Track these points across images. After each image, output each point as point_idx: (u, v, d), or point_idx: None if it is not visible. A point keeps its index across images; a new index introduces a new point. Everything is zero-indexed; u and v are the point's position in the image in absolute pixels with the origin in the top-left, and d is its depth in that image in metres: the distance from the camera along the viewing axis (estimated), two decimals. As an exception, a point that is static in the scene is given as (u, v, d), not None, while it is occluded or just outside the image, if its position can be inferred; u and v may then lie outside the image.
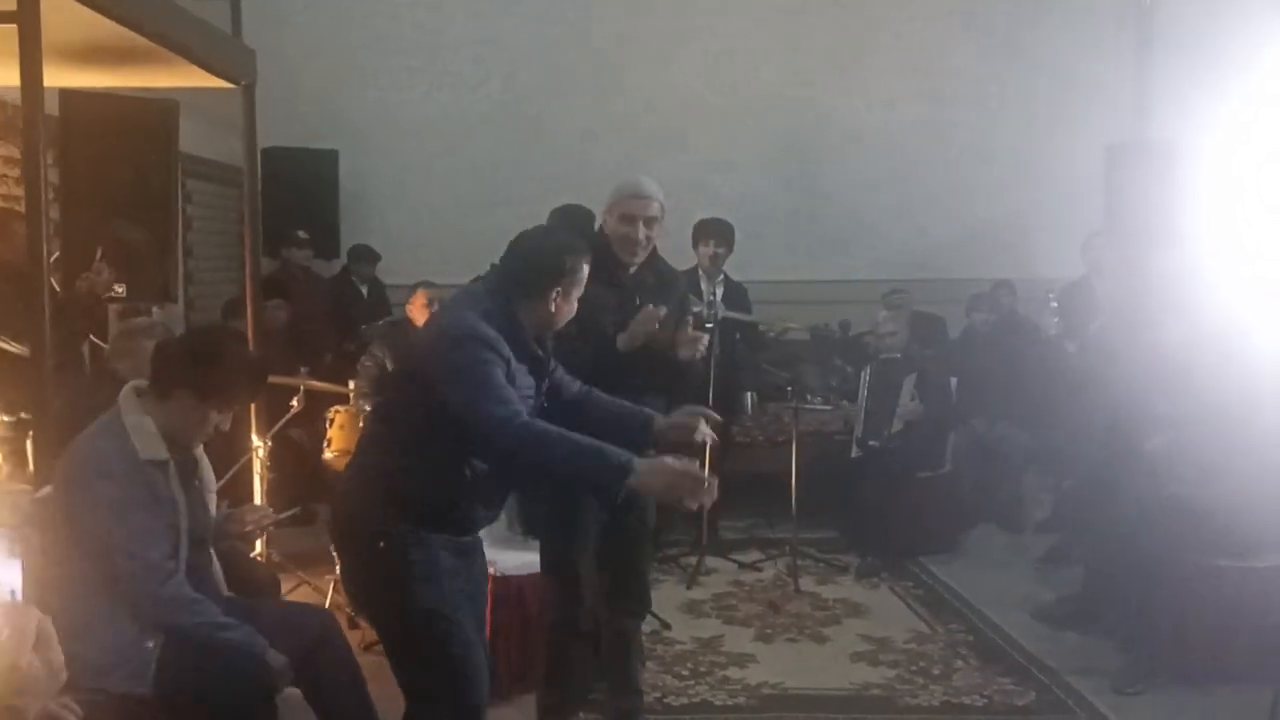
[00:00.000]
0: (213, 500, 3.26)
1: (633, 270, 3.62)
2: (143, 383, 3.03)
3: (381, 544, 2.73)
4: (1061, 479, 6.17)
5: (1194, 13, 7.61)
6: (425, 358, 2.80)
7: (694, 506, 2.74)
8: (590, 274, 2.93)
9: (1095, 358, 5.00)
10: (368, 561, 2.79)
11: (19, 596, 2.71)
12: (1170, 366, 4.53)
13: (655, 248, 3.69)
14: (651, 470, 2.66)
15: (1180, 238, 6.17)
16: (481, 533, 4.45)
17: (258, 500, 4.94)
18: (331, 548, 3.03)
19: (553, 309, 2.86)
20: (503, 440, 2.70)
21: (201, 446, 3.19)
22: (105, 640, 2.83)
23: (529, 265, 2.85)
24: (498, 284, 2.89)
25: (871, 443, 6.07)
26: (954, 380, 6.44)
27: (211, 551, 3.22)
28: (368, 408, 5.09)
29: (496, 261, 3.06)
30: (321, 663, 3.12)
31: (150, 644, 2.86)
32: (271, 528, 4.07)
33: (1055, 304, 5.65)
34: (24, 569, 3.00)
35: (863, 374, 6.32)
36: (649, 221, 3.56)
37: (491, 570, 4.06)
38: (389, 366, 5.51)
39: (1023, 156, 8.20)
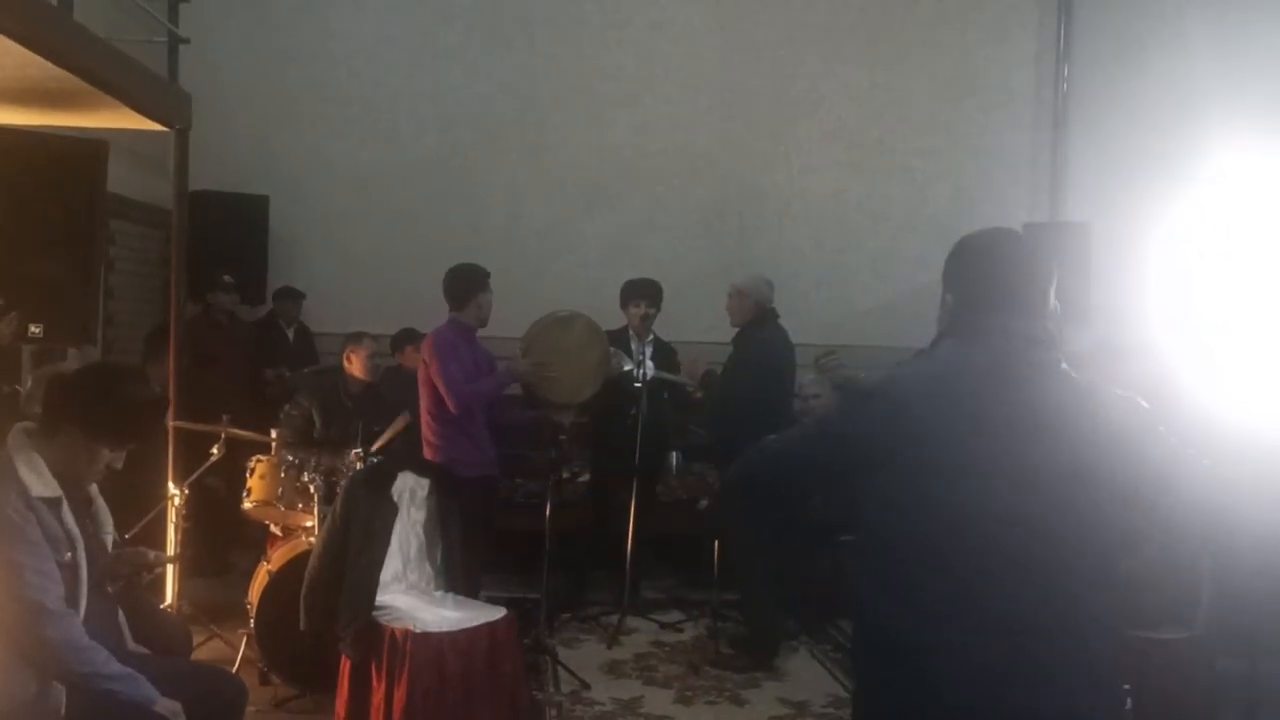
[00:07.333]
0: (109, 540, 3.17)
1: None
2: (31, 425, 2.96)
3: None
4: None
5: (1105, 102, 7.97)
6: None
7: None
8: None
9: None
10: None
11: None
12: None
13: None
14: None
15: (1092, 317, 6.39)
16: (403, 589, 4.42)
17: (170, 551, 4.82)
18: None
19: None
20: None
21: (95, 486, 3.10)
22: (9, 685, 2.72)
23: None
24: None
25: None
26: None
27: (116, 600, 3.13)
28: (290, 457, 4.94)
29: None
30: None
31: (58, 685, 2.76)
32: (159, 569, 3.96)
33: None
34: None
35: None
36: None
37: (411, 628, 4.04)
38: (315, 416, 5.37)
39: (947, 229, 8.28)
